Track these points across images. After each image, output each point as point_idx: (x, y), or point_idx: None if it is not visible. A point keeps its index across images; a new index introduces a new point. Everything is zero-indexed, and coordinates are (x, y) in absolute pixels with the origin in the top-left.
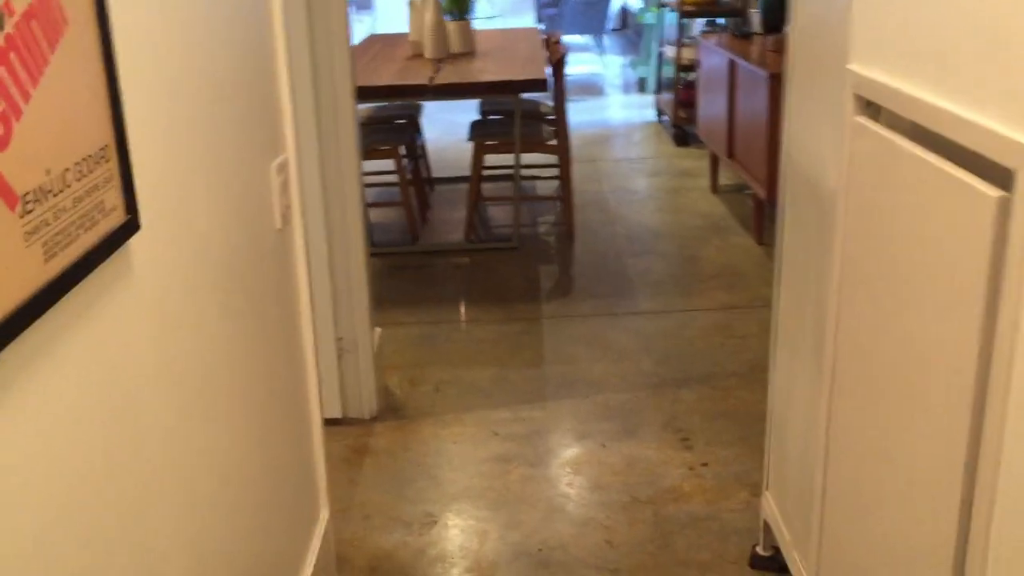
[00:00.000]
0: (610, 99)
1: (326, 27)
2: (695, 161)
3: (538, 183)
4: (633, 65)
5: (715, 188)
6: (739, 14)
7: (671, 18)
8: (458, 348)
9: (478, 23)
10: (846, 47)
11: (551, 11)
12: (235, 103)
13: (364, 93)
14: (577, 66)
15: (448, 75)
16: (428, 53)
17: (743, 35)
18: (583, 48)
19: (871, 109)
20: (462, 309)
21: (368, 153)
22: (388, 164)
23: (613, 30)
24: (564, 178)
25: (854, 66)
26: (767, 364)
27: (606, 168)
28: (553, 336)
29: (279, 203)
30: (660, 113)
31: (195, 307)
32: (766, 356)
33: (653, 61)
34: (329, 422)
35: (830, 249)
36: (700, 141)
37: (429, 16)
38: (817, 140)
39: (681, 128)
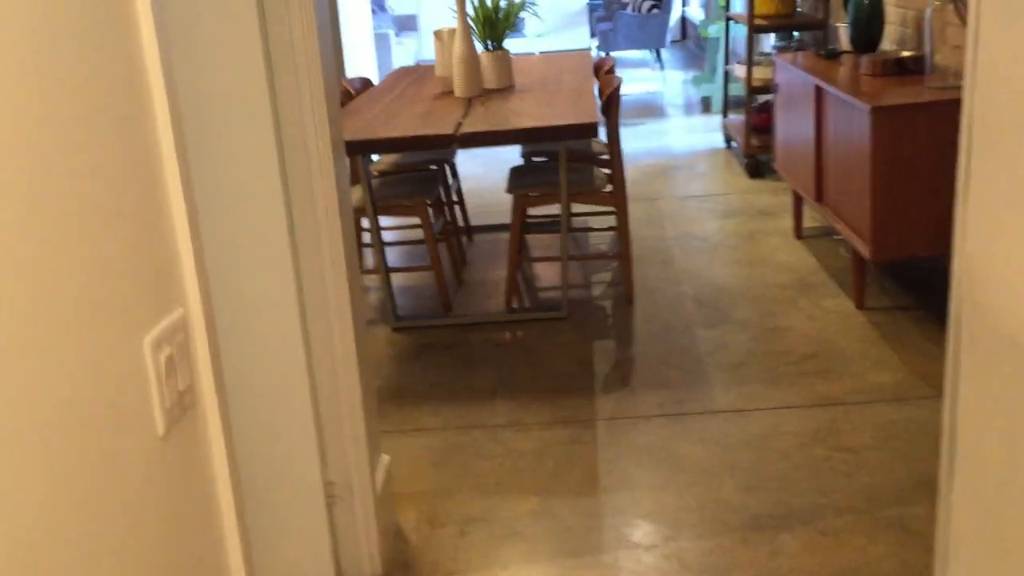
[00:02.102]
0: (671, 121)
1: (291, 64)
2: (773, 197)
3: (591, 235)
4: (696, 83)
5: (799, 233)
6: (819, 28)
7: (738, 31)
8: (493, 466)
9: (526, 42)
10: None
11: (606, 25)
12: (62, 246)
13: (378, 147)
14: (633, 84)
15: (479, 119)
16: (459, 91)
17: (829, 55)
18: (640, 63)
19: None
20: (499, 407)
21: (389, 209)
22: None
23: (672, 42)
24: (621, 231)
25: None
26: (892, 495)
27: (669, 207)
28: (610, 447)
29: (163, 394)
30: (729, 139)
31: None
32: (887, 482)
33: (719, 79)
34: None
35: None
36: (774, 171)
37: (458, 48)
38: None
39: (754, 158)
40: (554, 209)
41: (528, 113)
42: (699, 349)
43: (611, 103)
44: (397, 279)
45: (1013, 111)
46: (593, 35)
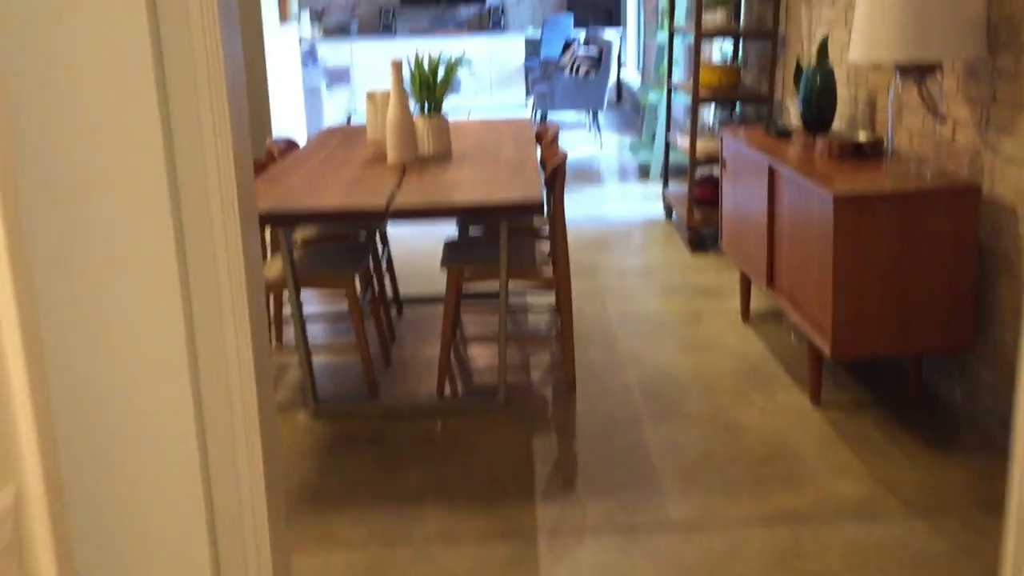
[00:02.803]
0: (608, 187)
1: (195, 130)
2: (716, 274)
3: (530, 313)
4: (633, 149)
5: (746, 315)
6: (764, 102)
7: (678, 99)
8: None
9: (460, 99)
10: None
11: (543, 86)
12: None
13: (301, 219)
14: (569, 147)
15: (413, 190)
16: (391, 157)
17: (780, 132)
18: (575, 124)
19: None
20: (429, 515)
21: (313, 282)
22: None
23: (608, 104)
24: (563, 315)
25: None
26: None
27: (609, 282)
28: (554, 568)
29: None
30: (669, 210)
31: None
32: None
33: (658, 147)
34: None
35: None
36: (717, 245)
37: (393, 113)
38: None
39: (697, 231)
40: (490, 283)
41: (467, 185)
42: (649, 447)
43: (556, 177)
44: (320, 355)
45: None
46: (529, 94)
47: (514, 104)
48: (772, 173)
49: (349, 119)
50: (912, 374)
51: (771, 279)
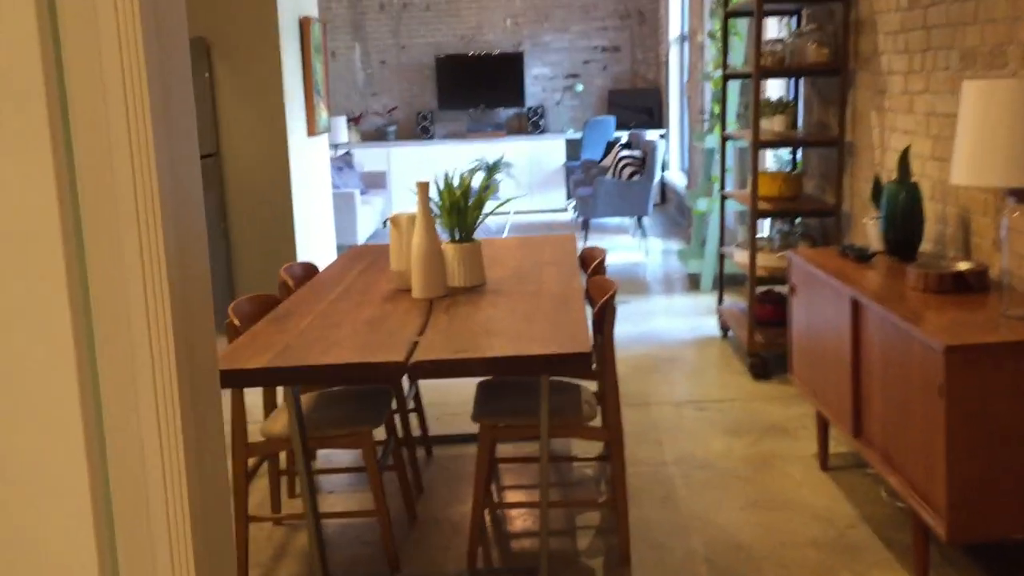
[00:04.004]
0: (656, 300)
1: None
2: (785, 408)
3: (575, 461)
4: (682, 257)
5: (824, 462)
6: (829, 214)
7: (731, 206)
8: None
9: (501, 206)
10: None
11: (585, 190)
12: None
13: (305, 378)
14: (614, 253)
15: (439, 336)
16: (417, 291)
17: (859, 256)
18: (619, 227)
19: None
20: None
21: (323, 441)
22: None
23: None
24: (615, 475)
25: None
26: None
27: (664, 416)
28: None
29: None
30: (725, 328)
31: None
32: None
33: (709, 257)
34: None
35: None
36: (784, 370)
37: (418, 242)
38: None
39: (760, 356)
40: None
41: (502, 329)
42: None
43: (604, 315)
44: (334, 518)
45: None
46: (570, 197)
47: (554, 207)
48: (856, 306)
49: (386, 224)
50: None
51: (858, 428)
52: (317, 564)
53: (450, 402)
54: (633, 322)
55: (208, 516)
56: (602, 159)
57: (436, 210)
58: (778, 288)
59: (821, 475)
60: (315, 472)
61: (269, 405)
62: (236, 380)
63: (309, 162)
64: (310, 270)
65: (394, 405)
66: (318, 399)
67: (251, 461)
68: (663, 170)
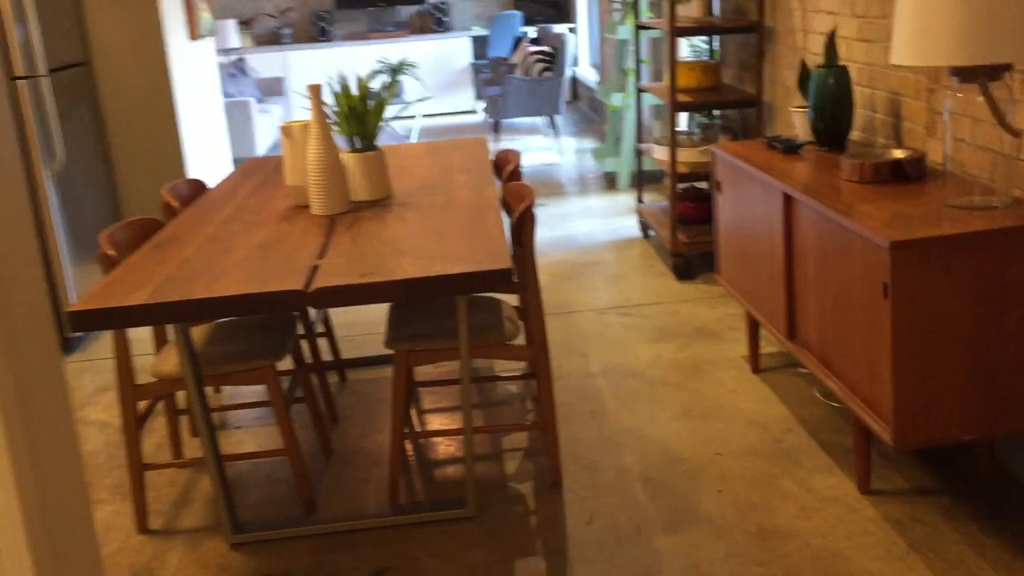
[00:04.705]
0: (573, 202)
1: None
2: (711, 309)
3: (498, 385)
4: (597, 156)
5: (755, 364)
6: (750, 104)
7: (645, 100)
8: None
9: (405, 109)
10: None
11: (494, 90)
12: None
13: (190, 315)
14: (527, 154)
15: (342, 260)
16: (316, 209)
17: (787, 147)
18: (530, 126)
19: None
20: None
21: (220, 378)
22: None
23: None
24: (542, 395)
25: None
26: None
27: (588, 325)
28: None
29: None
30: (646, 228)
31: None
32: None
33: (626, 155)
34: None
35: None
36: (709, 269)
37: (314, 153)
38: None
39: (683, 257)
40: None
41: (412, 248)
42: (664, 572)
43: (523, 225)
44: (241, 461)
45: None
46: (479, 97)
47: (463, 109)
48: (788, 202)
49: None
50: (980, 449)
51: (792, 331)
52: (224, 511)
53: (362, 322)
54: (550, 226)
55: (49, 500)
56: (510, 56)
57: (333, 116)
58: (699, 184)
59: (753, 378)
60: (220, 408)
61: (160, 338)
62: (109, 320)
63: (193, 69)
64: (198, 188)
65: (301, 330)
66: (214, 331)
67: (143, 404)
68: (573, 66)
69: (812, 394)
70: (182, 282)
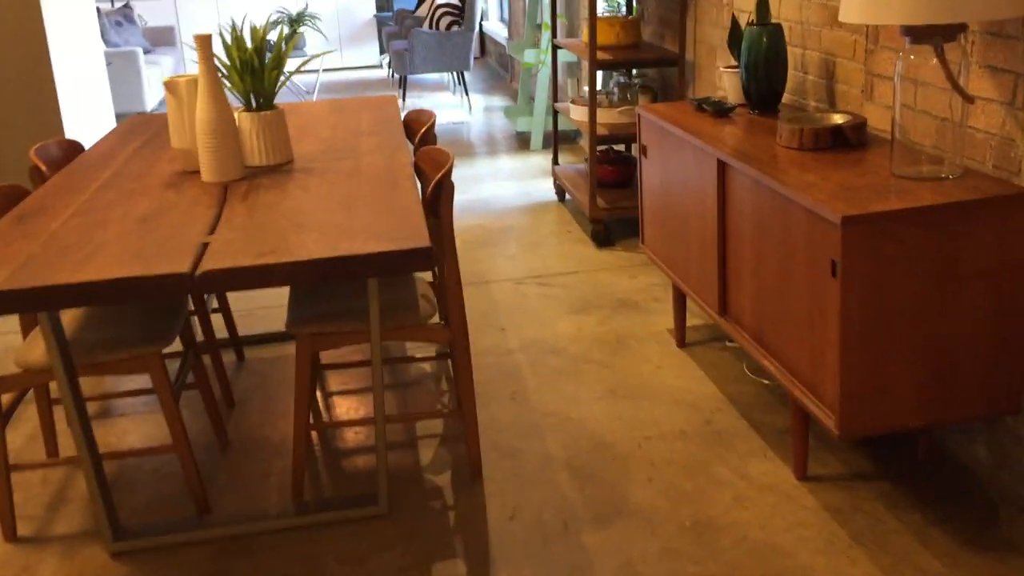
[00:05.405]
0: (484, 162)
1: None
2: (633, 279)
3: (412, 366)
4: (509, 115)
5: (681, 339)
6: (672, 63)
7: (564, 56)
8: None
9: (307, 63)
10: None
11: (400, 43)
12: None
13: (54, 303)
14: (435, 112)
15: (236, 235)
16: (206, 175)
17: (718, 110)
18: (437, 83)
19: None
20: None
21: (95, 368)
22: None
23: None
24: (462, 383)
25: None
26: None
27: (504, 297)
28: None
29: None
30: (561, 192)
31: None
32: None
33: (539, 115)
34: None
35: None
36: (630, 236)
37: (204, 111)
38: None
39: (602, 223)
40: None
41: (316, 223)
42: (595, 573)
43: (441, 194)
44: (120, 459)
45: None
46: (383, 52)
47: (368, 63)
48: (723, 170)
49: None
50: (918, 431)
51: (724, 306)
52: (103, 516)
53: (262, 295)
54: (460, 189)
55: None
56: (416, 8)
57: (224, 71)
58: (618, 147)
59: (679, 353)
60: (101, 397)
61: (28, 322)
62: None
63: (68, 16)
64: (72, 150)
65: (192, 306)
66: (90, 313)
67: (6, 397)
68: (482, 20)
69: (741, 370)
70: (46, 263)
